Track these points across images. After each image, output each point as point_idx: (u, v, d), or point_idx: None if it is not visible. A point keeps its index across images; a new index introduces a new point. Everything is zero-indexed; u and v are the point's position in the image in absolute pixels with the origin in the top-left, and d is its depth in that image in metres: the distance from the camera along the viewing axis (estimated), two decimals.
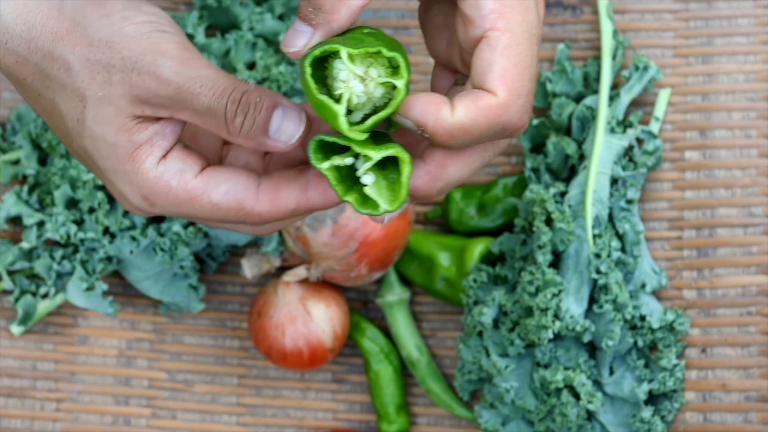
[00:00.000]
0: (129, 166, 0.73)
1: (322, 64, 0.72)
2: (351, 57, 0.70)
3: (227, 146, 0.78)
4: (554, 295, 1.07)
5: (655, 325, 1.08)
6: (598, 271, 1.08)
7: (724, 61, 1.14)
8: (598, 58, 1.15)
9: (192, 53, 0.73)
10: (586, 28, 1.17)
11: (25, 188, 1.13)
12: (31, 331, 1.16)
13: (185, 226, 1.11)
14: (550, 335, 1.07)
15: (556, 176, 1.13)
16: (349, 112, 0.72)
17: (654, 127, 1.13)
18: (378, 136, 0.74)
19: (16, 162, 1.16)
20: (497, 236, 1.15)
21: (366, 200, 0.73)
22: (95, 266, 1.11)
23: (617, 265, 1.10)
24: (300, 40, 0.73)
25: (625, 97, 1.13)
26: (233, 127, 0.72)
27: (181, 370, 1.16)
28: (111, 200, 1.11)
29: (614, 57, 1.14)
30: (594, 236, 1.09)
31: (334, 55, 0.71)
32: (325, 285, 1.13)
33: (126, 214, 1.11)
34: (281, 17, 1.18)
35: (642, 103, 1.15)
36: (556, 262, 1.09)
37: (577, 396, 1.07)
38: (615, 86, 1.15)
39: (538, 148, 1.16)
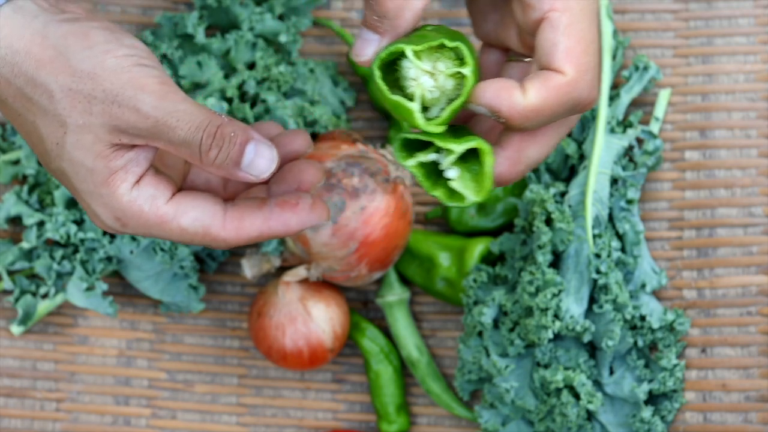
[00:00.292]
0: (104, 189, 0.78)
1: (392, 67, 0.74)
2: (417, 54, 0.72)
3: (190, 164, 0.83)
4: (554, 295, 1.07)
5: (655, 325, 1.08)
6: (598, 271, 1.08)
7: (724, 61, 1.14)
8: None
9: (170, 87, 0.77)
10: None
11: (25, 188, 1.13)
12: (31, 331, 1.16)
13: None
14: (550, 335, 1.07)
15: (556, 176, 1.13)
16: (425, 109, 0.74)
17: (654, 127, 1.13)
18: (457, 129, 0.75)
19: (16, 162, 1.16)
20: (497, 236, 1.15)
21: (453, 193, 0.75)
22: (95, 266, 1.11)
23: (617, 265, 1.10)
24: (369, 48, 0.76)
25: (625, 97, 1.13)
26: (207, 159, 0.77)
27: (181, 370, 1.16)
28: None
29: (614, 57, 1.14)
30: (594, 236, 1.09)
31: (402, 56, 0.73)
32: (325, 285, 1.14)
33: None
34: (281, 17, 1.18)
35: (642, 103, 1.15)
36: (556, 262, 1.09)
37: (577, 396, 1.07)
38: (615, 86, 1.15)
39: None
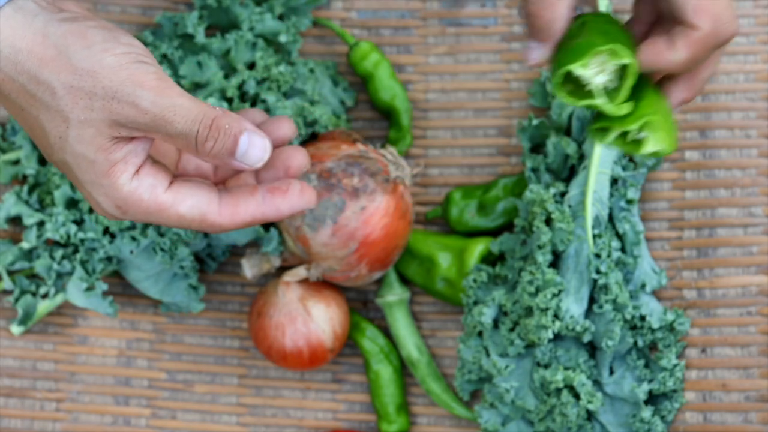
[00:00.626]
0: (105, 180, 0.82)
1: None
2: (583, 66, 0.84)
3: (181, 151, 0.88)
4: (554, 295, 1.07)
5: (655, 325, 1.08)
6: (598, 271, 1.08)
7: (724, 61, 1.14)
8: None
9: (167, 83, 0.81)
10: None
11: (25, 188, 1.13)
12: (31, 331, 1.16)
13: None
14: (550, 335, 1.07)
15: (556, 176, 1.13)
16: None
17: None
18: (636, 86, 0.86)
19: (16, 162, 1.16)
20: (497, 236, 1.15)
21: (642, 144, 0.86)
22: (95, 266, 1.11)
23: (617, 265, 1.10)
24: (536, 54, 0.87)
25: None
26: (203, 150, 0.81)
27: (181, 370, 1.16)
28: None
29: None
30: (594, 236, 1.09)
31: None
32: (325, 285, 1.14)
33: None
34: (281, 17, 1.18)
35: None
36: (556, 262, 1.09)
37: (577, 396, 1.07)
38: None
39: (537, 148, 1.16)
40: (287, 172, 0.87)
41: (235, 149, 0.82)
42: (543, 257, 1.07)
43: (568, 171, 1.13)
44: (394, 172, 1.10)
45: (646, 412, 1.07)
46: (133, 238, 1.10)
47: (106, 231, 1.12)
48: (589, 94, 0.85)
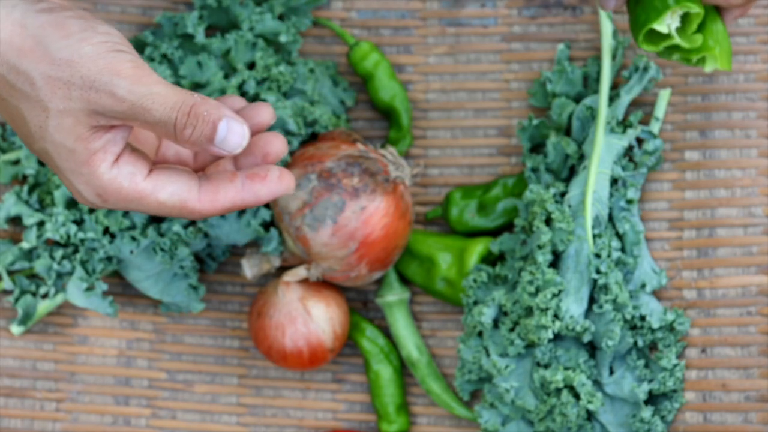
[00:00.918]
0: (85, 169, 0.83)
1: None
2: (660, 23, 0.98)
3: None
4: (554, 295, 1.07)
5: (655, 325, 1.08)
6: (598, 271, 1.08)
7: None
8: (598, 58, 1.15)
9: (144, 71, 0.82)
10: (586, 28, 1.17)
11: (25, 188, 1.13)
12: (31, 331, 1.16)
13: (185, 226, 1.11)
14: (550, 335, 1.07)
15: (556, 176, 1.13)
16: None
17: (654, 127, 1.13)
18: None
19: (16, 162, 1.16)
20: (497, 236, 1.15)
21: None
22: (95, 266, 1.11)
23: (617, 265, 1.10)
24: (612, 3, 0.98)
25: (625, 97, 1.13)
26: (182, 137, 0.82)
27: (181, 370, 1.16)
28: None
29: (614, 57, 1.14)
30: (594, 236, 1.09)
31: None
32: (325, 285, 1.14)
33: (126, 214, 1.11)
34: (281, 17, 1.18)
35: (642, 103, 1.15)
36: (556, 262, 1.09)
37: (577, 396, 1.07)
38: (615, 86, 1.15)
39: (537, 148, 1.16)
40: (266, 158, 0.88)
41: (213, 136, 0.82)
42: (543, 257, 1.07)
43: (568, 171, 1.13)
44: (394, 172, 1.10)
45: (646, 412, 1.07)
46: (133, 238, 1.10)
47: (106, 231, 1.12)
48: (665, 36, 0.99)
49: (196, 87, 1.14)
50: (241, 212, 1.11)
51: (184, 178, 0.85)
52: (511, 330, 1.09)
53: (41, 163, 1.15)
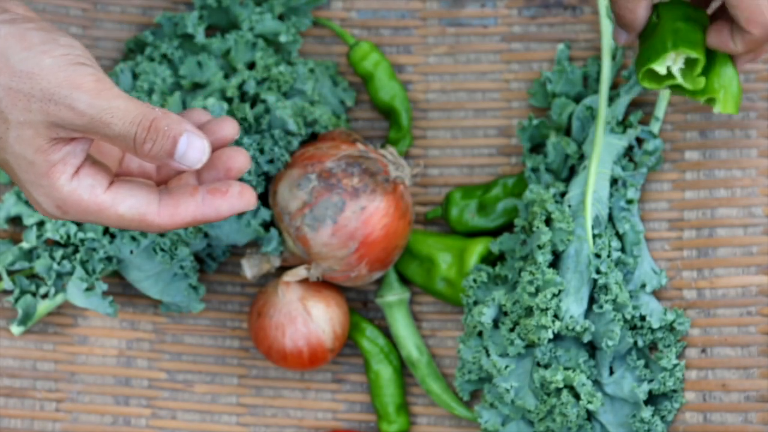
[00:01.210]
0: (45, 181, 0.83)
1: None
2: (659, 64, 1.02)
3: None
4: (554, 295, 1.07)
5: (655, 325, 1.08)
6: (598, 271, 1.08)
7: None
8: (598, 58, 1.15)
9: (105, 85, 0.82)
10: (586, 28, 1.17)
11: None
12: (31, 331, 1.16)
13: None
14: (550, 335, 1.07)
15: (556, 176, 1.13)
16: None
17: (654, 127, 1.13)
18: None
19: None
20: (497, 236, 1.15)
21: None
22: (95, 266, 1.11)
23: (617, 265, 1.10)
24: (623, 38, 1.04)
25: (625, 97, 1.13)
26: (142, 151, 0.82)
27: (181, 370, 1.16)
28: None
29: (614, 57, 1.14)
30: (594, 236, 1.09)
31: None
32: (325, 285, 1.14)
33: None
34: (281, 17, 1.18)
35: (642, 103, 1.15)
36: (556, 262, 1.09)
37: (577, 396, 1.07)
38: (615, 86, 1.15)
39: (537, 148, 1.16)
40: (228, 173, 0.88)
41: (173, 150, 0.82)
42: (543, 257, 1.07)
43: (568, 171, 1.13)
44: (394, 172, 1.10)
45: (646, 412, 1.07)
46: (133, 238, 1.10)
47: (106, 231, 1.12)
48: (669, 76, 1.03)
49: (196, 87, 1.14)
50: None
51: (144, 192, 0.85)
52: (511, 330, 1.09)
53: None
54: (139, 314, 1.17)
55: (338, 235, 1.08)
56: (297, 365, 1.12)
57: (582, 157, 1.12)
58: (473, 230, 1.15)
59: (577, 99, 1.14)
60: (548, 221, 1.09)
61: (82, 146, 0.84)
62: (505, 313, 1.10)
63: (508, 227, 1.15)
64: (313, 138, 1.14)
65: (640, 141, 1.13)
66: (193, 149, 0.83)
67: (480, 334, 1.11)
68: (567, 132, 1.14)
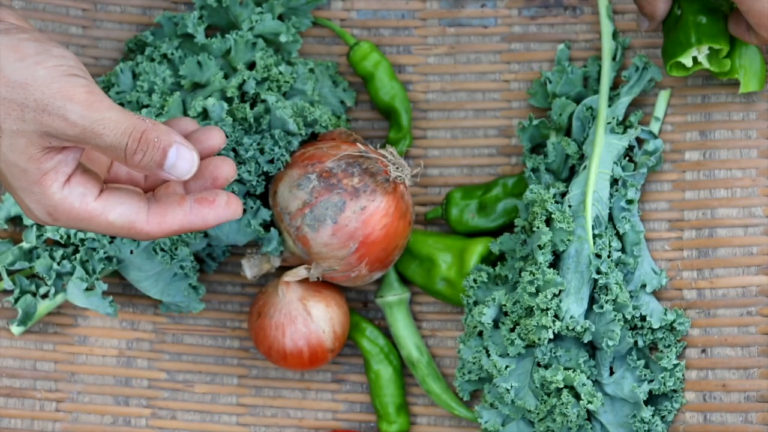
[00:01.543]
0: (37, 188, 0.85)
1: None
2: (685, 57, 1.08)
3: None
4: (554, 295, 1.07)
5: (655, 325, 1.08)
6: (598, 271, 1.08)
7: None
8: (598, 59, 1.15)
9: (97, 96, 0.83)
10: (586, 29, 1.17)
11: None
12: (31, 331, 1.16)
13: None
14: (550, 335, 1.07)
15: (556, 176, 1.13)
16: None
17: (654, 127, 1.13)
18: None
19: None
20: (497, 236, 1.15)
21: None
22: (95, 266, 1.11)
23: (617, 265, 1.10)
24: (645, 26, 1.10)
25: (625, 97, 1.13)
26: (132, 162, 0.84)
27: (181, 370, 1.16)
28: None
29: (614, 57, 1.14)
30: (594, 236, 1.09)
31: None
32: (325, 285, 1.14)
33: None
34: (281, 17, 1.18)
35: (642, 103, 1.15)
36: (556, 262, 1.09)
37: (577, 396, 1.07)
38: (615, 86, 1.15)
39: (537, 148, 1.16)
40: (215, 182, 0.89)
41: (163, 162, 0.84)
42: (543, 257, 1.07)
43: (568, 171, 1.13)
44: (394, 172, 1.10)
45: (646, 412, 1.07)
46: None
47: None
48: (696, 63, 1.08)
49: (196, 87, 1.14)
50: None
51: (134, 200, 0.86)
52: (512, 330, 1.09)
53: None
54: (139, 314, 1.17)
55: (338, 235, 1.08)
56: (297, 365, 1.12)
57: (582, 158, 1.12)
58: (473, 230, 1.15)
59: (577, 99, 1.14)
60: (548, 221, 1.09)
61: (74, 155, 0.85)
62: (506, 313, 1.10)
63: (508, 227, 1.15)
64: (313, 138, 1.14)
65: (640, 141, 1.13)
66: (183, 160, 0.85)
67: (480, 334, 1.11)
68: (567, 132, 1.14)
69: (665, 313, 1.09)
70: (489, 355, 1.09)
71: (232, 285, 1.18)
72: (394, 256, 1.11)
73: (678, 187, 1.13)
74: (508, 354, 1.09)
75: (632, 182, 1.11)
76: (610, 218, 1.11)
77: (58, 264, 1.11)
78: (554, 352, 1.08)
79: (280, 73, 1.13)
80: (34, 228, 1.12)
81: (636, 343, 1.09)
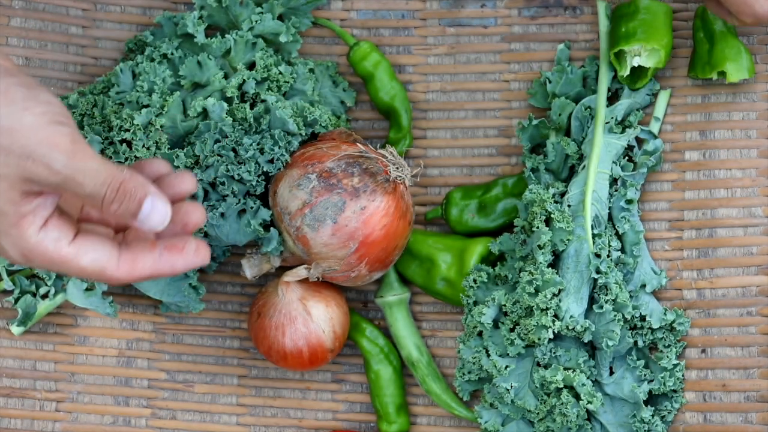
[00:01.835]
0: (14, 231, 0.86)
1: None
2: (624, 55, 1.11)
3: None
4: (554, 295, 1.07)
5: (655, 325, 1.08)
6: (597, 271, 1.08)
7: None
8: (596, 59, 1.15)
9: (80, 145, 0.85)
10: (585, 29, 1.17)
11: None
12: (31, 331, 1.16)
13: None
14: (550, 335, 1.07)
15: (556, 176, 1.13)
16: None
17: (654, 127, 1.13)
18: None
19: None
20: (497, 236, 1.15)
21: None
22: None
23: (617, 265, 1.10)
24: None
25: (626, 98, 1.13)
26: (108, 210, 0.86)
27: (181, 370, 1.16)
28: None
29: None
30: (594, 236, 1.09)
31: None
32: (325, 285, 1.13)
33: None
34: (281, 17, 1.18)
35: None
36: (556, 262, 1.09)
37: (577, 396, 1.07)
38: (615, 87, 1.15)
39: (537, 148, 1.16)
40: (185, 227, 0.91)
41: (137, 212, 0.87)
42: (543, 257, 1.07)
43: (568, 171, 1.13)
44: (394, 172, 1.10)
45: (646, 412, 1.07)
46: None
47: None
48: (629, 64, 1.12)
49: (196, 87, 1.14)
50: (241, 212, 1.11)
51: (106, 246, 0.88)
52: (511, 330, 1.09)
53: None
54: (139, 314, 1.17)
55: (338, 235, 1.08)
56: (297, 365, 1.12)
57: (581, 157, 1.12)
58: (473, 230, 1.15)
59: (577, 99, 1.14)
60: (548, 221, 1.09)
61: (52, 199, 0.87)
62: (505, 313, 1.10)
63: (508, 227, 1.15)
64: (313, 138, 1.14)
65: (640, 141, 1.13)
66: (156, 212, 0.87)
67: (480, 334, 1.11)
68: (567, 132, 1.14)
69: (665, 313, 1.09)
70: (489, 355, 1.09)
71: (232, 285, 1.18)
72: (394, 256, 1.11)
73: (678, 187, 1.13)
74: (508, 354, 1.09)
75: (632, 182, 1.11)
76: (610, 218, 1.11)
77: None
78: (554, 352, 1.08)
79: (280, 73, 1.13)
80: None
81: (636, 343, 1.09)
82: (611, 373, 1.09)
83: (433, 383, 1.14)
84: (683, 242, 1.12)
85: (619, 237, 1.11)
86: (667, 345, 1.09)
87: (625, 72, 1.11)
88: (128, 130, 1.10)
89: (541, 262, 1.07)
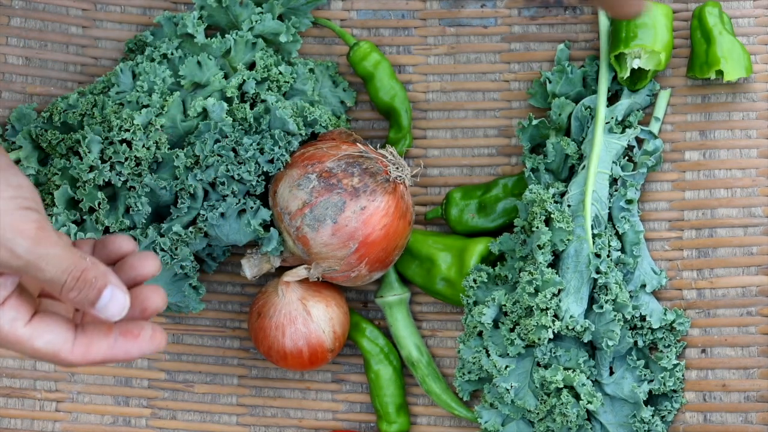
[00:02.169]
0: None
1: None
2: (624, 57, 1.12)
3: None
4: (554, 295, 1.07)
5: (655, 325, 1.08)
6: (597, 271, 1.08)
7: None
8: (596, 58, 1.15)
9: (45, 232, 0.85)
10: (585, 29, 1.17)
11: None
12: None
13: (185, 226, 1.11)
14: (550, 335, 1.07)
15: (556, 176, 1.13)
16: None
17: (654, 127, 1.13)
18: None
19: (17, 162, 1.16)
20: (497, 236, 1.15)
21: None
22: None
23: (617, 265, 1.10)
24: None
25: (626, 98, 1.13)
26: (66, 297, 0.86)
27: (181, 370, 1.16)
28: (111, 200, 1.11)
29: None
30: (594, 236, 1.09)
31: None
32: (325, 285, 1.13)
33: (126, 213, 1.11)
34: (281, 17, 1.18)
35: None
36: (556, 262, 1.09)
37: (577, 396, 1.07)
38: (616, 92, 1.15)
39: (537, 148, 1.16)
40: (143, 312, 0.90)
41: (96, 301, 0.86)
42: (543, 257, 1.07)
43: (568, 171, 1.13)
44: (394, 172, 1.10)
45: (646, 412, 1.07)
46: (134, 238, 1.10)
47: (106, 231, 1.11)
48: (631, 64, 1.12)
49: (196, 87, 1.14)
50: (241, 212, 1.11)
51: (62, 329, 0.88)
52: (511, 330, 1.09)
53: (41, 164, 1.15)
54: None
55: (338, 235, 1.08)
56: (297, 365, 1.12)
57: (581, 157, 1.12)
58: (473, 230, 1.15)
59: (577, 99, 1.14)
60: (548, 221, 1.09)
61: (12, 280, 0.87)
62: (505, 313, 1.10)
63: (508, 227, 1.15)
64: (313, 138, 1.14)
65: (640, 141, 1.13)
66: (115, 303, 0.87)
67: (480, 334, 1.11)
68: (567, 132, 1.14)
69: (665, 313, 1.09)
70: (489, 355, 1.09)
71: (232, 285, 1.18)
72: (394, 256, 1.11)
73: (678, 187, 1.13)
74: (507, 354, 1.09)
75: (632, 182, 1.11)
76: (610, 218, 1.11)
77: None
78: (554, 352, 1.08)
79: (280, 73, 1.13)
80: None
81: (636, 343, 1.09)
82: (611, 373, 1.09)
83: (433, 383, 1.14)
84: (683, 242, 1.12)
85: (619, 237, 1.11)
86: (667, 345, 1.09)
87: (625, 74, 1.11)
88: (128, 130, 1.10)
89: (541, 262, 1.07)
